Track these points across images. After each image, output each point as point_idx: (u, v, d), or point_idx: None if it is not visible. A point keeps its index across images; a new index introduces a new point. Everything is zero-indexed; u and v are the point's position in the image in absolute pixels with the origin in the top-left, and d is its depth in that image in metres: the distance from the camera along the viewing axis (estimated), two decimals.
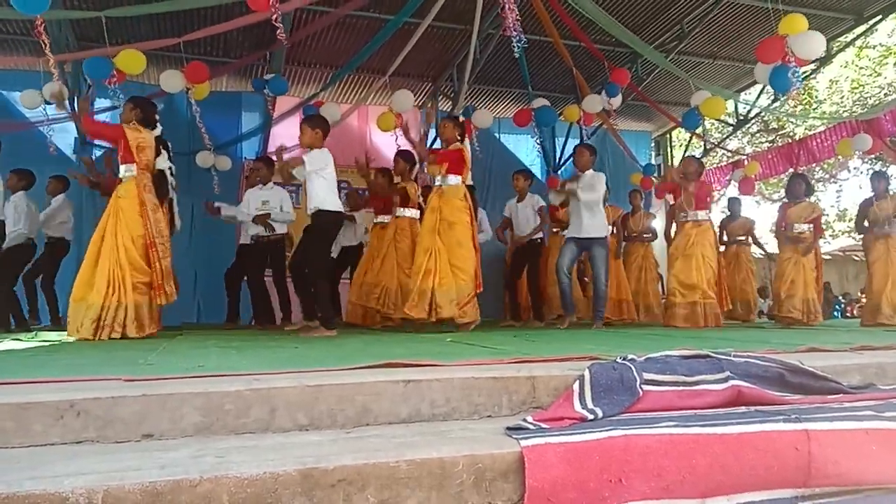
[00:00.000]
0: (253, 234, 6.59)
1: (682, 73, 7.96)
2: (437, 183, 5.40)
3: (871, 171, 17.16)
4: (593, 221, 6.05)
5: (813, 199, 8.18)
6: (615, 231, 7.62)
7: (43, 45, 5.27)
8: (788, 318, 6.46)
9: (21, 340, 4.65)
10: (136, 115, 4.89)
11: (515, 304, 7.45)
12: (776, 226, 7.02)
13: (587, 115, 8.47)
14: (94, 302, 4.37)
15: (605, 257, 6.11)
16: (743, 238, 8.37)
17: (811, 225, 6.73)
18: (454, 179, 5.34)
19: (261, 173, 6.80)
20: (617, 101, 8.15)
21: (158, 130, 5.01)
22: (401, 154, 6.59)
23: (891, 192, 6.77)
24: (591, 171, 6.18)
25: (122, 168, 4.76)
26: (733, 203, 8.63)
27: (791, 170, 10.15)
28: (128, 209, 4.63)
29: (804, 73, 10.23)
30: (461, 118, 6.45)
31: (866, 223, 6.81)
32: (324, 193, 4.93)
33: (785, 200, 7.09)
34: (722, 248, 7.92)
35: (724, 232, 8.32)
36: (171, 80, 6.63)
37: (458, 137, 5.49)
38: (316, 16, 7.99)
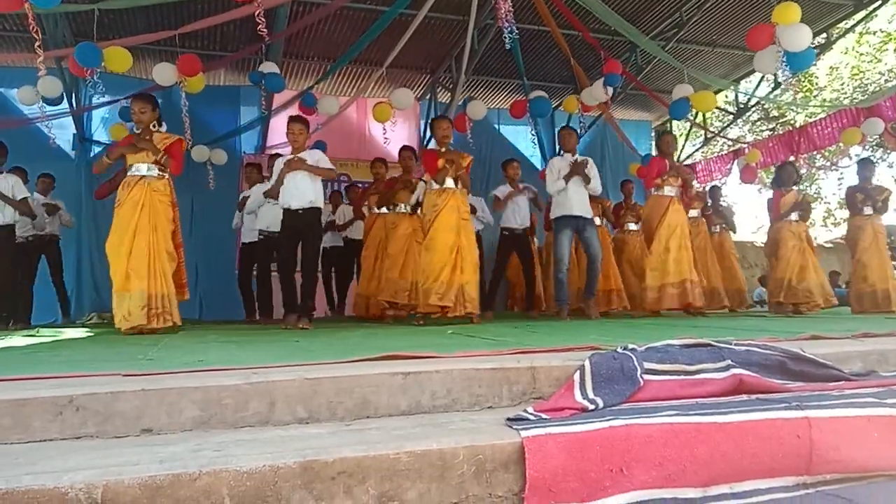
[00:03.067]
0: (261, 230, 6.60)
1: (677, 63, 7.91)
2: (446, 185, 5.39)
3: (872, 158, 17.17)
4: (585, 200, 6.09)
5: (814, 187, 8.23)
6: (605, 222, 7.57)
7: (35, 39, 5.22)
8: (802, 304, 6.42)
9: (23, 336, 4.65)
10: (157, 115, 4.85)
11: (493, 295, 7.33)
12: (773, 213, 6.97)
13: (585, 104, 8.42)
14: (139, 289, 4.41)
15: (598, 237, 6.20)
16: (725, 226, 8.33)
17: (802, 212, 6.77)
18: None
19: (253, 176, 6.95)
20: (609, 93, 8.09)
21: (164, 127, 5.01)
22: (408, 149, 6.64)
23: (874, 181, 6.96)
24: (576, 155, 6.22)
25: (154, 168, 4.70)
26: (714, 191, 8.59)
27: (791, 157, 10.11)
28: (163, 205, 4.68)
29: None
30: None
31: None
32: (320, 191, 5.10)
33: (774, 188, 7.06)
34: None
35: (707, 220, 8.26)
36: (164, 73, 6.60)
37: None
38: (312, 7, 7.96)
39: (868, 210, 6.72)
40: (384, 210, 6.67)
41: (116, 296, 4.46)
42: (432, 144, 6.58)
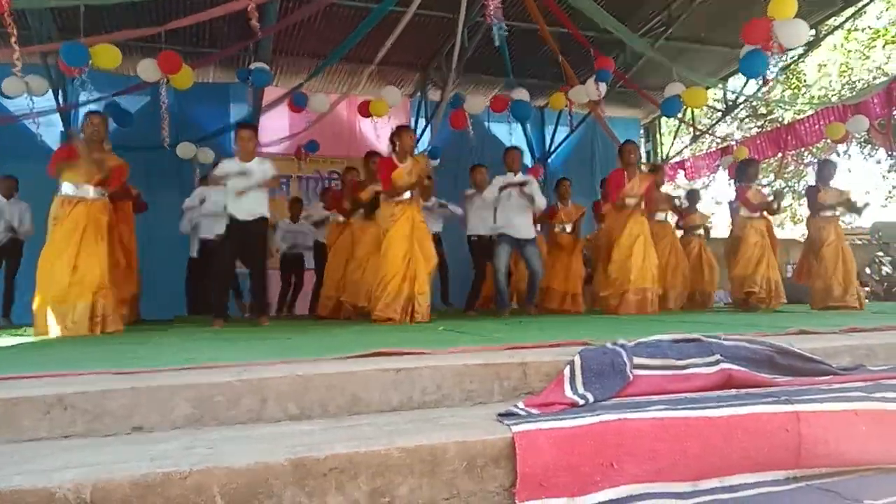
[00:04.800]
0: (218, 234, 6.61)
1: (665, 60, 7.93)
2: (402, 196, 5.39)
3: (860, 155, 17.31)
4: (527, 223, 6.29)
5: (802, 183, 8.26)
6: (574, 228, 7.60)
7: (11, 35, 5.15)
8: (753, 297, 6.46)
9: (9, 336, 4.62)
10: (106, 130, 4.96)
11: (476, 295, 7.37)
12: (734, 207, 7.03)
13: (572, 101, 8.43)
14: (84, 302, 4.50)
15: (539, 254, 6.42)
16: (700, 230, 8.35)
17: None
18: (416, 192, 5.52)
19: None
20: (602, 89, 8.11)
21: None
22: (374, 154, 6.60)
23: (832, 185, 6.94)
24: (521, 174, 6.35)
25: (94, 191, 4.80)
26: (691, 195, 8.63)
27: (780, 154, 10.18)
28: (104, 224, 4.80)
29: (791, 57, 10.29)
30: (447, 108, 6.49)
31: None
32: (266, 200, 5.25)
33: (740, 184, 7.08)
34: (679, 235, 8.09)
35: (682, 223, 8.30)
36: (149, 70, 6.55)
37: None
38: (302, 4, 7.92)
39: (829, 212, 6.78)
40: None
41: (55, 307, 4.47)
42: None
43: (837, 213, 6.82)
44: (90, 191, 4.76)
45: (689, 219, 8.22)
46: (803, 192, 20.08)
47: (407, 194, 5.39)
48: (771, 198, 6.94)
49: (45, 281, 4.53)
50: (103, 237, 4.75)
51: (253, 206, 5.10)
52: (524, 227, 6.21)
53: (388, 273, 5.18)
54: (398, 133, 5.58)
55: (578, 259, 7.54)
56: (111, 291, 4.74)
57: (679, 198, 8.62)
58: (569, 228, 7.45)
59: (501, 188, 6.12)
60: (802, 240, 7.31)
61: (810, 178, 19.84)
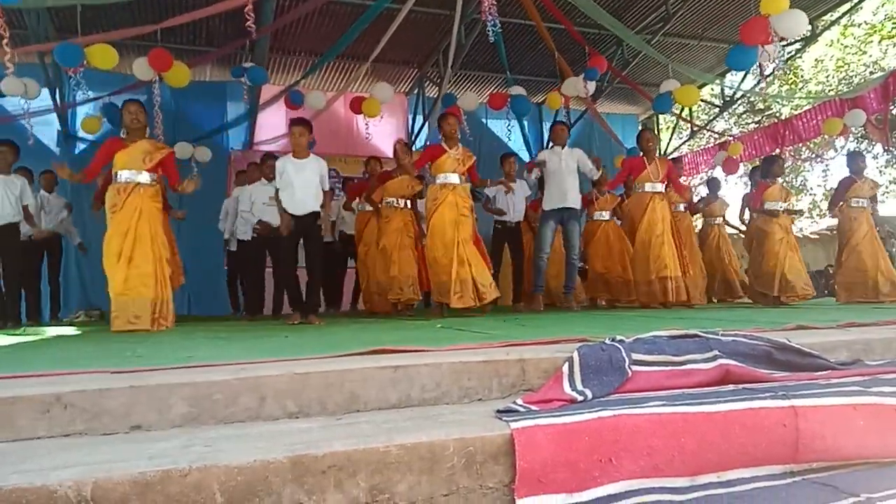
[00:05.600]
0: (256, 229, 6.61)
1: (662, 57, 7.93)
2: (448, 181, 5.50)
3: (856, 150, 17.33)
4: (576, 191, 6.29)
5: (800, 178, 8.30)
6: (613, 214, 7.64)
7: (3, 36, 5.14)
8: (791, 295, 6.47)
9: (8, 335, 4.62)
10: (146, 117, 4.94)
11: None
12: (752, 203, 7.05)
13: (567, 97, 8.43)
14: (146, 296, 4.53)
15: (580, 231, 6.44)
16: (721, 219, 8.37)
17: (786, 204, 6.83)
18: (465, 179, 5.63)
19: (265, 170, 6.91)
20: (591, 88, 8.11)
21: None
22: (406, 144, 6.74)
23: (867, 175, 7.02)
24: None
25: (148, 176, 4.79)
26: (713, 183, 8.63)
27: (777, 150, 10.17)
28: (158, 211, 4.85)
29: (789, 53, 10.29)
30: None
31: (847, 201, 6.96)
32: (320, 196, 5.19)
33: (760, 180, 7.07)
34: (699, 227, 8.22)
35: (703, 212, 8.33)
36: (144, 68, 6.54)
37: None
38: (299, 2, 7.92)
39: (862, 202, 6.79)
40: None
41: (116, 299, 4.50)
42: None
43: (865, 204, 6.87)
44: (143, 176, 4.76)
45: (710, 207, 8.24)
46: (800, 186, 20.21)
47: (454, 178, 5.50)
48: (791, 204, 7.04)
49: (109, 272, 4.58)
50: (157, 225, 4.76)
51: (307, 202, 5.08)
52: (573, 196, 6.25)
53: (442, 260, 5.31)
54: (439, 120, 5.75)
55: (626, 243, 7.43)
56: (167, 284, 4.73)
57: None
58: (606, 216, 7.50)
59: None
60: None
61: (807, 175, 19.92)
